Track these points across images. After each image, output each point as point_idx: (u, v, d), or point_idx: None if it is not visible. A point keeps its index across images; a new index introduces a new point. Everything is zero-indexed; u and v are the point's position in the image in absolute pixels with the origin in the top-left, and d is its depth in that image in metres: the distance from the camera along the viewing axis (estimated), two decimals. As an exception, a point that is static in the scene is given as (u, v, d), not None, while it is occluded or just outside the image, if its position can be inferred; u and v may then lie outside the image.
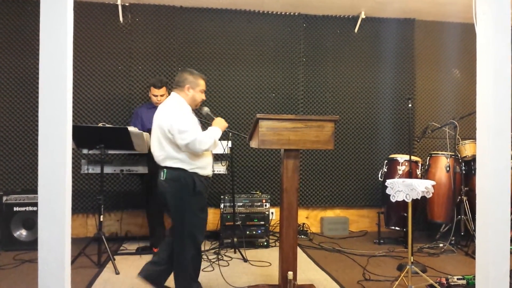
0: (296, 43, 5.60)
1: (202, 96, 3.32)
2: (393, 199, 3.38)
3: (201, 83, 3.30)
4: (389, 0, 5.08)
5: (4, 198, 4.56)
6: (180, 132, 3.03)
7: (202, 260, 4.22)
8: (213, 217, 5.24)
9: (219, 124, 3.30)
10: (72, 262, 3.81)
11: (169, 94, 4.87)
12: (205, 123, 3.57)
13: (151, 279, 3.30)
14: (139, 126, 4.46)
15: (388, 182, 3.45)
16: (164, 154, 3.15)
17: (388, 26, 5.73)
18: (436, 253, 4.58)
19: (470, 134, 5.43)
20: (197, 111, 3.45)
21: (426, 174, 5.00)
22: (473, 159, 4.82)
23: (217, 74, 5.40)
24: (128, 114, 5.17)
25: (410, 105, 4.73)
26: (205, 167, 3.24)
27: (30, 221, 4.54)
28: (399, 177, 4.83)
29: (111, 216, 5.21)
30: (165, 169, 3.16)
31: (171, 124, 3.05)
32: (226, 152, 4.51)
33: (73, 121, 2.07)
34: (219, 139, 3.28)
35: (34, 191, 4.53)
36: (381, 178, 5.09)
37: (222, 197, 4.83)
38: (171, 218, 3.31)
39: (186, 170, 3.12)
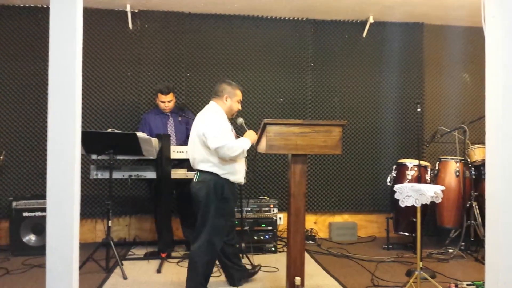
0: (304, 48, 5.60)
1: (238, 106, 3.53)
2: (402, 204, 3.36)
3: (238, 94, 3.52)
4: (397, 4, 5.07)
5: (14, 203, 4.59)
6: (213, 136, 3.21)
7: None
8: (221, 222, 5.23)
9: (250, 137, 3.44)
10: (80, 267, 3.82)
11: (176, 100, 4.94)
12: (238, 133, 3.66)
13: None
14: (147, 132, 4.49)
15: (397, 187, 3.43)
16: (199, 157, 3.34)
17: (396, 30, 5.71)
18: (446, 258, 4.53)
19: (480, 138, 5.39)
20: (232, 121, 3.59)
21: (435, 179, 4.96)
22: (483, 163, 4.77)
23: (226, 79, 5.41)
24: (137, 120, 5.20)
25: (419, 110, 4.70)
26: (236, 173, 3.40)
27: (40, 227, 4.56)
28: (408, 182, 4.80)
29: (119, 221, 5.23)
30: (198, 172, 3.37)
31: (205, 128, 3.26)
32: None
33: (82, 126, 2.09)
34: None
35: (44, 196, 4.53)
36: (390, 183, 5.05)
37: (230, 202, 4.83)
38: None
39: (218, 175, 3.30)
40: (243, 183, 3.60)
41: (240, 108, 3.57)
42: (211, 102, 3.50)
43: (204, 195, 3.27)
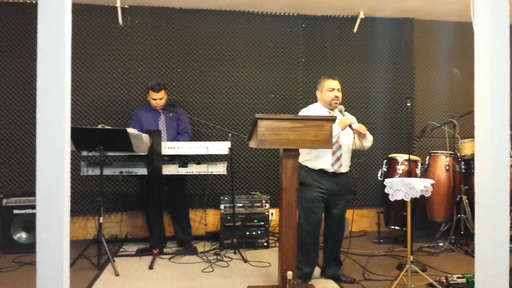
0: (295, 43, 5.60)
1: (332, 94, 3.67)
2: (392, 198, 3.38)
3: (326, 84, 3.70)
4: (388, -1, 5.09)
5: (4, 200, 4.56)
6: None
7: (202, 260, 4.24)
8: (213, 218, 5.25)
9: (341, 123, 3.53)
10: (72, 264, 3.83)
11: (168, 96, 4.91)
12: None
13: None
14: (138, 128, 4.47)
15: (387, 181, 3.45)
16: None
17: (387, 25, 5.73)
18: (436, 252, 4.58)
19: (470, 133, 5.42)
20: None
21: (425, 173, 5.00)
22: (473, 158, 4.81)
23: (217, 75, 5.41)
24: (127, 116, 5.17)
25: (409, 104, 4.73)
26: (316, 159, 3.58)
27: (30, 224, 4.53)
28: (399, 177, 4.83)
29: (111, 218, 5.21)
30: None
31: None
32: (226, 153, 4.53)
33: (72, 123, 2.07)
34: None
35: (34, 193, 4.50)
36: (381, 177, 5.08)
37: (221, 198, 4.83)
38: None
39: (299, 163, 3.46)
40: (330, 170, 3.59)
41: (336, 95, 3.67)
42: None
43: None
